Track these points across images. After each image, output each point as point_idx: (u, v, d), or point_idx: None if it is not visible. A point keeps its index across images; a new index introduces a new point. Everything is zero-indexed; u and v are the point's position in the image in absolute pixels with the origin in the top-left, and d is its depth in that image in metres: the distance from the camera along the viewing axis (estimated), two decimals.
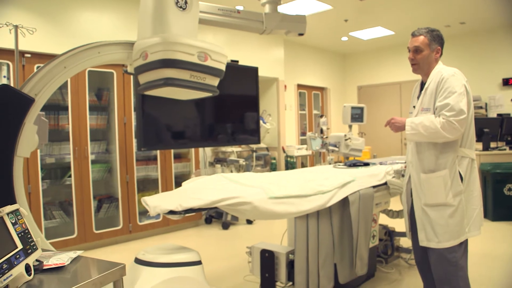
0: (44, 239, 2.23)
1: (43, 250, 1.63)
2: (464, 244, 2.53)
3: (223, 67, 2.19)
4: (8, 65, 4.21)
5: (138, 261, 2.34)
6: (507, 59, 7.39)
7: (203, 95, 2.25)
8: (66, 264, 1.53)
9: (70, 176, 4.61)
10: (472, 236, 2.53)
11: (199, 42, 2.06)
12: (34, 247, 1.47)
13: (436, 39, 2.57)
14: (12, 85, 4.14)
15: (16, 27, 2.90)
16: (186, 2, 2.13)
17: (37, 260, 1.48)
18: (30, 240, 1.47)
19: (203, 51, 2.03)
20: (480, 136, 5.64)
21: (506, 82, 7.34)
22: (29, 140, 1.94)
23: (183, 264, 2.32)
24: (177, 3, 2.09)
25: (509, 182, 5.47)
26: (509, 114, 7.12)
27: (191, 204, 2.29)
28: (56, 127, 4.61)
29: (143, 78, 2.12)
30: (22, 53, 4.20)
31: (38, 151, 4.30)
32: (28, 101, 1.90)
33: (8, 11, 4.18)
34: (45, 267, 1.49)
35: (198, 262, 2.39)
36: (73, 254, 1.63)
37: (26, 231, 1.47)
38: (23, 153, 1.91)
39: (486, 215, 5.54)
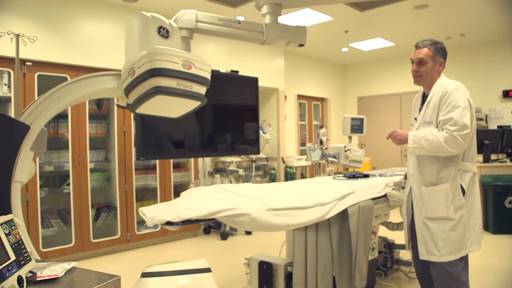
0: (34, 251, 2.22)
1: (39, 261, 1.60)
2: (464, 259, 2.51)
3: (208, 76, 2.24)
4: (9, 73, 4.22)
5: (146, 274, 2.31)
6: (507, 71, 7.40)
7: (193, 106, 2.26)
8: (60, 275, 1.50)
9: (68, 184, 4.59)
10: (473, 250, 2.51)
11: (182, 52, 2.12)
12: (28, 258, 1.45)
13: (440, 51, 2.57)
14: (12, 93, 4.17)
15: (17, 35, 2.91)
16: (167, 32, 2.22)
17: (30, 272, 1.46)
18: (24, 251, 1.44)
19: (187, 60, 2.09)
20: (480, 148, 5.62)
21: (507, 94, 7.34)
22: (26, 165, 1.98)
23: (193, 271, 2.31)
24: (159, 32, 2.17)
25: (510, 195, 5.45)
26: (509, 126, 7.10)
27: (189, 215, 2.27)
28: (56, 135, 4.61)
29: (133, 96, 2.14)
30: (23, 61, 4.21)
31: (37, 159, 4.29)
32: (24, 129, 1.94)
33: (9, 20, 4.20)
34: (38, 279, 1.46)
35: (208, 269, 2.37)
36: (67, 266, 1.60)
37: (20, 241, 1.45)
38: (20, 178, 1.95)
39: (487, 228, 5.52)
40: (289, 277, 2.91)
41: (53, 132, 4.58)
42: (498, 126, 7.17)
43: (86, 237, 4.64)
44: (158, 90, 2.03)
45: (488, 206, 5.51)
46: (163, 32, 2.19)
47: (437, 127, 2.48)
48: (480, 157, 5.70)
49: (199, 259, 2.40)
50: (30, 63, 4.26)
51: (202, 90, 2.24)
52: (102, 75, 2.22)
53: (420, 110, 2.65)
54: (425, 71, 2.57)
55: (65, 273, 1.54)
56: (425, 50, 2.57)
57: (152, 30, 2.15)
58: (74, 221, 4.57)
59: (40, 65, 4.36)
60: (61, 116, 4.63)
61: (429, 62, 2.55)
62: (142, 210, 2.35)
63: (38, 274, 1.48)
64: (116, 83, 2.25)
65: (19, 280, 1.34)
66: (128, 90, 2.15)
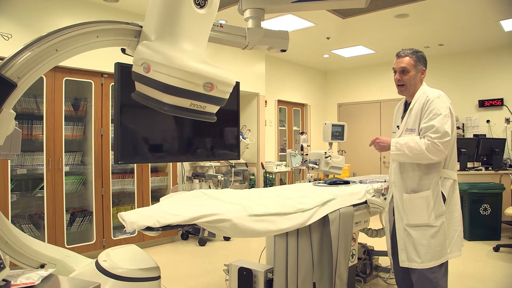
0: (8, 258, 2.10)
1: (15, 268, 1.53)
2: (444, 265, 2.53)
3: (227, 96, 2.08)
4: None
5: (97, 265, 2.26)
6: (483, 82, 7.58)
7: (201, 119, 2.17)
8: (36, 283, 1.43)
9: (42, 188, 4.45)
10: (453, 257, 2.53)
11: (209, 69, 1.88)
12: (1, 266, 1.38)
13: (421, 60, 2.60)
14: None
15: None
16: None
17: (4, 280, 1.39)
18: None
19: (210, 81, 1.89)
20: (457, 156, 5.72)
21: (482, 104, 7.51)
22: (5, 128, 1.79)
23: (139, 279, 2.24)
24: None
25: (484, 202, 5.55)
26: (485, 135, 7.26)
27: (169, 220, 2.21)
28: (29, 137, 4.47)
29: (140, 88, 2.01)
30: None
31: (9, 161, 4.14)
32: (8, 86, 1.72)
33: None
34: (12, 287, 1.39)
35: (156, 278, 2.31)
36: (44, 273, 1.53)
37: None
38: None
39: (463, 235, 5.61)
40: (269, 283, 2.87)
41: (27, 133, 4.44)
42: (474, 135, 7.33)
43: (59, 242, 4.50)
44: (166, 110, 1.87)
45: (464, 213, 5.56)
46: (200, 0, 1.91)
47: (419, 134, 2.50)
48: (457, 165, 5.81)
49: (152, 265, 2.33)
50: (2, 62, 4.12)
51: (215, 109, 2.10)
52: (112, 29, 1.94)
53: (402, 118, 2.67)
54: (408, 80, 2.59)
55: (41, 281, 1.47)
56: (407, 59, 2.59)
57: None
58: (48, 226, 4.42)
59: None
60: (36, 117, 4.50)
61: (412, 71, 2.58)
62: (121, 215, 2.28)
63: (12, 283, 1.41)
64: (126, 41, 1.97)
65: None
66: (137, 80, 1.99)
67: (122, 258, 2.32)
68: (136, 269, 2.25)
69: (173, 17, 1.86)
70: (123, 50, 2.19)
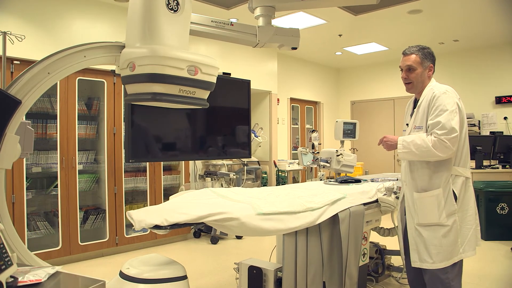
0: (28, 252, 2.14)
1: (22, 265, 1.55)
2: (458, 265, 2.48)
3: (213, 80, 2.14)
4: None
5: (122, 275, 2.28)
6: (500, 77, 7.43)
7: (193, 106, 2.21)
8: (43, 280, 1.45)
9: (56, 186, 4.51)
10: (467, 256, 2.48)
11: (190, 55, 1.99)
12: (9, 263, 1.40)
13: (428, 56, 2.56)
14: None
15: (4, 33, 2.85)
16: (178, 4, 2.07)
17: (11, 277, 1.41)
18: (5, 255, 1.39)
19: (193, 64, 1.97)
20: (473, 154, 5.63)
21: (499, 100, 7.38)
22: (10, 152, 1.86)
23: (167, 280, 2.26)
24: (168, 4, 2.03)
25: (501, 201, 5.45)
26: (502, 132, 7.14)
27: (177, 219, 2.22)
28: (44, 135, 4.53)
29: (131, 89, 2.07)
30: (11, 60, 4.13)
31: (24, 160, 4.21)
32: (14, 103, 1.82)
33: None
34: (19, 284, 1.41)
35: (183, 277, 2.32)
36: (51, 270, 1.55)
37: (1, 245, 1.40)
38: (4, 165, 1.84)
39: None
40: (279, 282, 2.86)
41: (41, 132, 4.51)
42: (491, 132, 7.21)
43: (73, 240, 4.57)
44: (156, 98, 1.95)
45: (480, 213, 5.47)
46: (173, 5, 2.04)
47: (426, 131, 2.46)
48: (472, 163, 5.71)
49: (177, 265, 2.35)
50: (18, 62, 4.19)
51: (205, 95, 2.16)
52: (97, 48, 2.09)
53: (411, 115, 2.63)
54: (414, 78, 2.56)
55: (48, 278, 1.49)
56: (413, 56, 2.56)
57: (159, 2, 1.99)
58: (62, 223, 4.49)
59: (28, 64, 4.23)
60: (50, 117, 4.56)
61: (418, 68, 2.55)
62: (130, 214, 2.30)
63: (19, 279, 1.43)
64: (112, 57, 2.13)
65: None
66: (126, 82, 2.07)
67: (146, 263, 2.35)
68: (162, 271, 2.27)
69: (151, 24, 2.01)
70: (113, 72, 2.28)
